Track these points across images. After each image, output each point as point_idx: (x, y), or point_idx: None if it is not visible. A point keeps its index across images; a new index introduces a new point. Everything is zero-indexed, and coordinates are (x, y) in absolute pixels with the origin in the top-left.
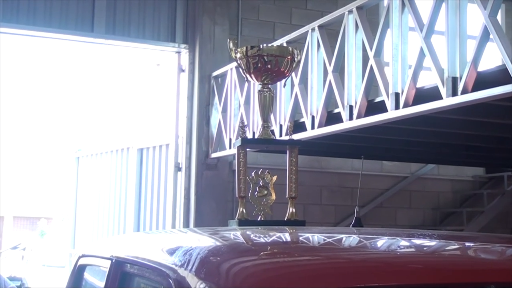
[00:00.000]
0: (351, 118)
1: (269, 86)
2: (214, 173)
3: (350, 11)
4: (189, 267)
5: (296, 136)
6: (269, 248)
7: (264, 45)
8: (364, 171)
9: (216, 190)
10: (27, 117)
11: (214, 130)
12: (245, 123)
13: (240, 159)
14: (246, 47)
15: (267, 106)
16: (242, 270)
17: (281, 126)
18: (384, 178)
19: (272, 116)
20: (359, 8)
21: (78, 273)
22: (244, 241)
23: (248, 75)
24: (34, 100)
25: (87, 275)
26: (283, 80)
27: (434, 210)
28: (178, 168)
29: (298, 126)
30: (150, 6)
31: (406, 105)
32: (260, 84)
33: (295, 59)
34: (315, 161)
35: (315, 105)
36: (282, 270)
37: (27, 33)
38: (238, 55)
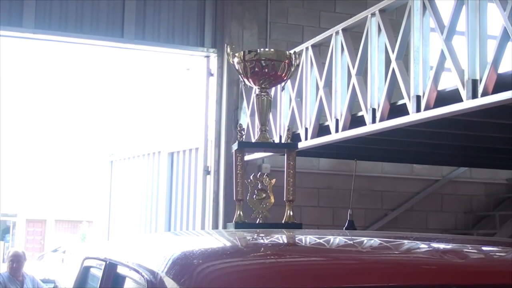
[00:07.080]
0: (374, 121)
1: (267, 90)
2: None
3: (373, 14)
4: (162, 269)
5: (321, 140)
6: (242, 250)
7: (261, 49)
8: (394, 174)
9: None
10: (63, 124)
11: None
12: (243, 126)
13: (238, 162)
14: (244, 52)
15: (265, 110)
16: (210, 272)
17: (306, 129)
18: (415, 181)
19: (298, 120)
20: (381, 11)
21: (83, 273)
22: (221, 243)
23: (246, 79)
24: (70, 106)
25: (90, 276)
26: (282, 84)
27: (467, 213)
28: (207, 172)
29: (322, 130)
30: (179, 11)
31: (427, 107)
32: (258, 88)
33: (293, 63)
34: (344, 164)
35: (339, 108)
36: (249, 272)
37: (59, 39)
38: (236, 59)
